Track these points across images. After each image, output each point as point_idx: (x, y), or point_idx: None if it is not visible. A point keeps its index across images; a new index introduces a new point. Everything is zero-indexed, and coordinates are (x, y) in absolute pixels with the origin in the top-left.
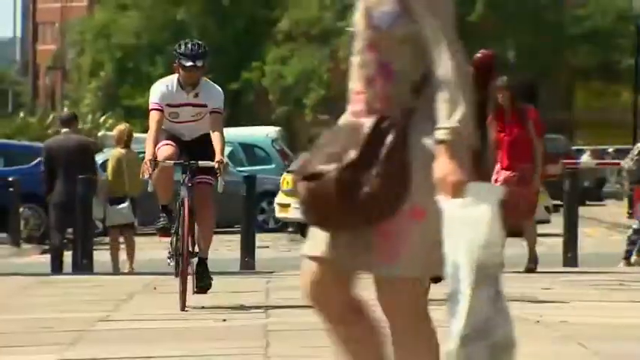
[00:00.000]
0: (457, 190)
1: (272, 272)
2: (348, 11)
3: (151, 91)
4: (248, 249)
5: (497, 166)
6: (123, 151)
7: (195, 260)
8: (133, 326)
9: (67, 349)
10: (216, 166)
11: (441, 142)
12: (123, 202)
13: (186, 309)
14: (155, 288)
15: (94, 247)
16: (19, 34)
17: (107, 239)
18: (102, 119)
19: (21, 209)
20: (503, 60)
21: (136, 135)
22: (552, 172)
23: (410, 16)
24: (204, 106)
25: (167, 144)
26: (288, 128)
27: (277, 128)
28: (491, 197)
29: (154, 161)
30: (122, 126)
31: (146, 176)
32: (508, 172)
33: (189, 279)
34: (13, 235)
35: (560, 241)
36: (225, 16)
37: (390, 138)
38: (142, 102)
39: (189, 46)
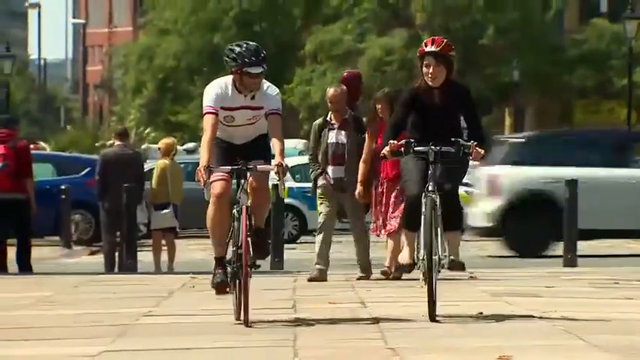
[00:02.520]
0: None
1: (299, 272)
2: (366, 34)
3: (204, 94)
4: (277, 250)
5: (381, 176)
6: (167, 162)
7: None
8: (173, 321)
9: (114, 341)
10: (275, 170)
11: None
12: (166, 208)
13: (250, 324)
14: (193, 286)
15: (138, 249)
16: (70, 56)
17: (150, 241)
18: (145, 132)
19: (72, 214)
20: (510, 79)
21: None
22: None
23: None
24: (261, 108)
25: (220, 179)
26: None
27: (304, 141)
28: None
29: (209, 168)
30: (167, 139)
31: (201, 184)
32: (391, 183)
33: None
34: (64, 238)
35: (561, 244)
36: (256, 41)
37: None
38: (181, 117)
39: (252, 50)
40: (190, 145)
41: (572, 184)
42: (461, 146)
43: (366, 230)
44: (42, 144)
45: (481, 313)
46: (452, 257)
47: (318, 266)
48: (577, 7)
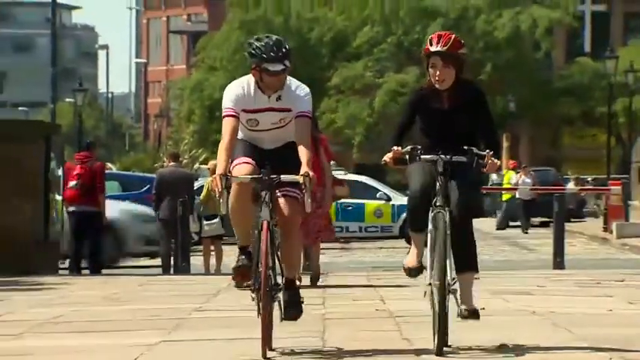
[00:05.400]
0: None
1: (327, 273)
2: (385, 71)
3: (224, 94)
4: (306, 253)
5: None
6: None
7: (280, 293)
8: (221, 315)
9: (169, 333)
10: (301, 180)
11: None
12: (214, 218)
13: (268, 357)
14: None
15: (191, 254)
16: (133, 90)
17: (201, 247)
18: (198, 153)
19: None
20: (506, 110)
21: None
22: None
23: None
24: (289, 110)
25: (244, 162)
26: (339, 162)
27: (332, 162)
28: None
29: (226, 177)
30: (214, 160)
31: (216, 194)
32: None
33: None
34: None
35: (550, 249)
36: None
37: None
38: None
39: (271, 44)
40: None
41: (561, 198)
42: (474, 155)
43: None
44: (109, 165)
45: (483, 308)
46: (464, 307)
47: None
48: (564, 48)
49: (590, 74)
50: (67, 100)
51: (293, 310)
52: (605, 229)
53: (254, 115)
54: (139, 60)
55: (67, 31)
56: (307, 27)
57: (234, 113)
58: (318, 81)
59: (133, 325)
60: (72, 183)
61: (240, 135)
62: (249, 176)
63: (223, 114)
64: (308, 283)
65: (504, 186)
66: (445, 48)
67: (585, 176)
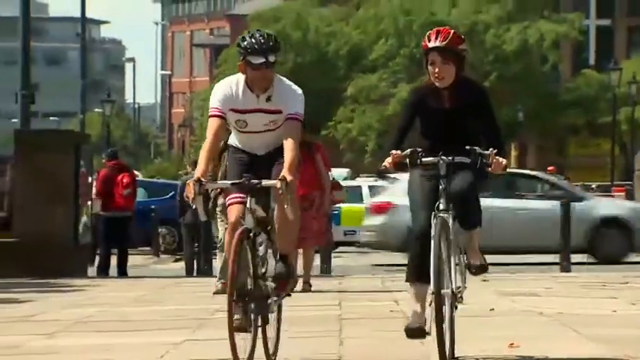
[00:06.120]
0: None
1: (344, 276)
2: (398, 82)
3: (212, 93)
4: (326, 258)
5: None
6: None
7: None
8: None
9: (194, 332)
10: (278, 185)
11: None
12: None
13: None
14: None
15: (213, 257)
16: (159, 101)
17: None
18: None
19: (160, 229)
20: (514, 120)
21: None
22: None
23: None
24: (279, 112)
25: (237, 201)
26: (354, 169)
27: (348, 170)
28: None
29: (200, 182)
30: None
31: (190, 200)
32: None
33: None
34: (154, 248)
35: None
36: (308, 87)
37: None
38: None
39: (257, 37)
40: None
41: (566, 206)
42: (478, 155)
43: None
44: (136, 172)
45: (492, 309)
46: (472, 261)
47: (222, 281)
48: (570, 61)
49: (596, 86)
50: (96, 110)
51: (284, 284)
52: None
53: (242, 115)
54: (163, 72)
55: (96, 45)
56: (325, 41)
57: (219, 113)
58: (334, 91)
59: (158, 325)
60: (126, 191)
61: (232, 139)
62: (229, 182)
63: (209, 113)
64: (327, 289)
65: None
66: (444, 43)
67: (590, 183)
